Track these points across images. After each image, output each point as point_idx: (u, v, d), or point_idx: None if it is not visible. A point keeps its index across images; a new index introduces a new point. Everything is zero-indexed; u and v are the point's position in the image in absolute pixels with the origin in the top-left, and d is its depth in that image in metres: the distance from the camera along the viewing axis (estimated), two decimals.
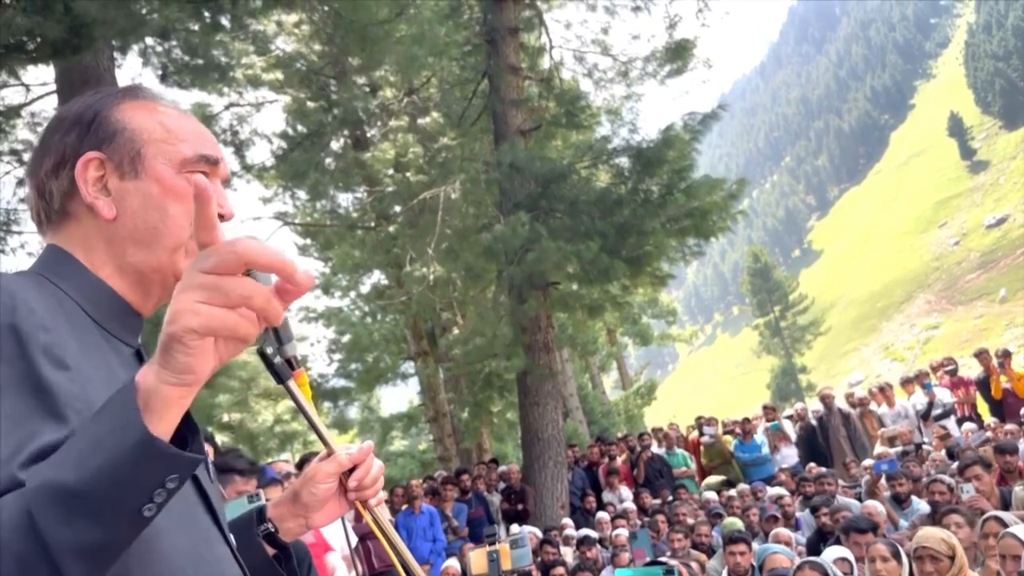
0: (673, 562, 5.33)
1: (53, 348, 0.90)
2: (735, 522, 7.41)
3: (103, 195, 1.07)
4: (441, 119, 14.49)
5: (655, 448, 11.24)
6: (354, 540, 4.79)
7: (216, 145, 1.15)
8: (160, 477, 0.78)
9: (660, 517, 8.38)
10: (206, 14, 9.31)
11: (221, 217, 1.11)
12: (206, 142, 1.13)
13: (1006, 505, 5.76)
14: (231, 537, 1.11)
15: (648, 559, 6.20)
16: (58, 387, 0.88)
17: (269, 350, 1.32)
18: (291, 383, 1.32)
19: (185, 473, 0.80)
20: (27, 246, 10.42)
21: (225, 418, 14.52)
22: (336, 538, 4.93)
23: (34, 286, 0.99)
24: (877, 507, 6.10)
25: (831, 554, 5.14)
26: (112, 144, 1.08)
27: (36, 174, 1.10)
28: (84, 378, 0.92)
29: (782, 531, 6.62)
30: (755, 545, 6.11)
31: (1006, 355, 10.37)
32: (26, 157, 10.80)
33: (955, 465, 7.03)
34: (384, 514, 1.25)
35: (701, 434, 11.53)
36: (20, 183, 10.67)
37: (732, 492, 9.30)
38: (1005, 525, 4.43)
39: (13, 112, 10.37)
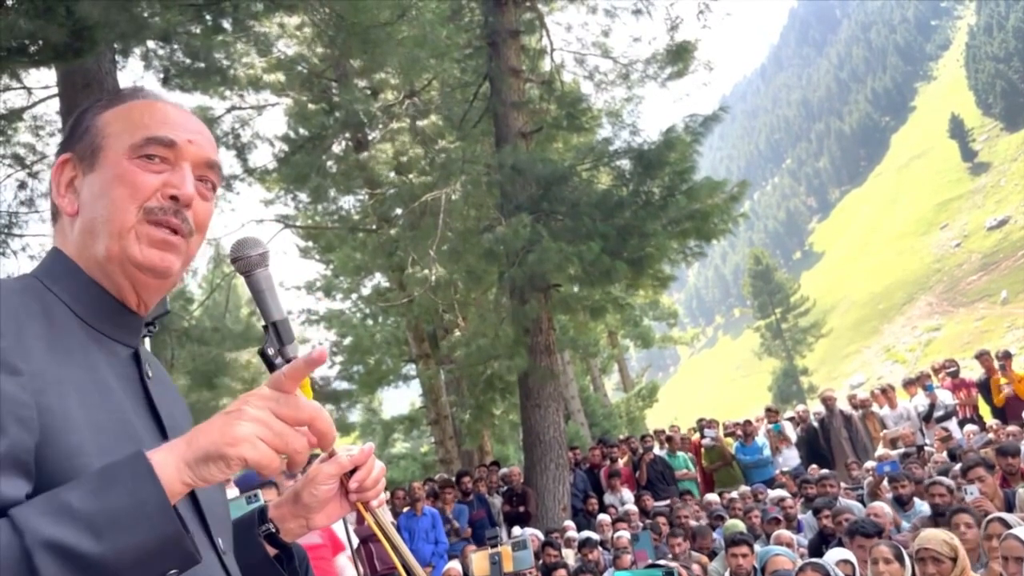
0: (673, 564, 5.33)
1: (3, 354, 0.90)
2: (737, 524, 7.40)
3: (71, 193, 1.09)
4: (442, 121, 14.50)
5: (658, 450, 11.24)
6: (355, 542, 4.79)
7: (184, 126, 1.12)
8: (169, 568, 0.84)
9: (661, 519, 8.38)
10: (208, 17, 9.33)
11: (175, 199, 1.08)
12: (166, 124, 1.10)
13: (1010, 507, 5.75)
14: (219, 541, 1.11)
15: (649, 561, 6.19)
16: (2, 394, 0.87)
17: (270, 351, 1.32)
18: None
19: (185, 568, 0.86)
20: (28, 248, 10.46)
21: None
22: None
23: (17, 290, 0.99)
24: (884, 508, 6.09)
25: (833, 556, 5.14)
26: (80, 143, 1.10)
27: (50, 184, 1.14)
28: (45, 382, 0.92)
29: (783, 533, 6.61)
30: (757, 547, 6.10)
31: (1006, 357, 10.36)
32: (28, 160, 10.82)
33: (957, 467, 7.02)
34: (386, 516, 1.25)
35: (702, 436, 11.52)
36: (22, 186, 10.68)
37: (734, 494, 9.30)
38: (1008, 527, 4.43)
39: (15, 115, 10.39)
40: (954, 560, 4.25)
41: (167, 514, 0.83)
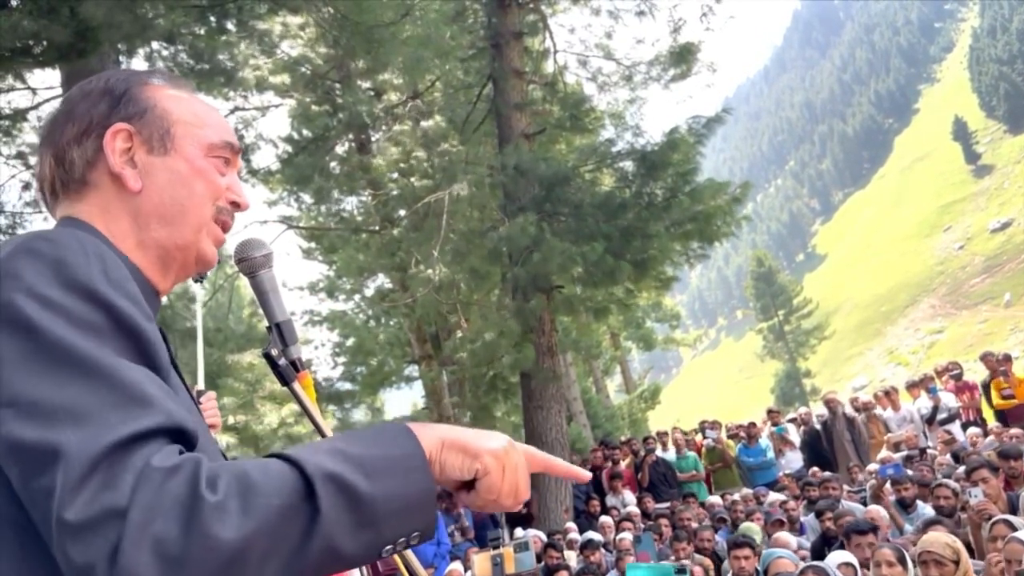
0: (686, 562, 5.33)
1: (140, 300, 0.92)
2: (751, 527, 7.36)
3: (130, 167, 1.06)
4: (445, 123, 14.51)
5: (660, 452, 11.23)
6: None
7: (235, 136, 1.18)
8: (414, 529, 0.87)
9: (663, 521, 8.37)
10: (212, 18, 9.34)
11: (237, 206, 1.14)
12: (230, 131, 1.16)
13: (1014, 510, 5.74)
14: None
15: (652, 563, 6.19)
16: (156, 340, 0.90)
17: (274, 352, 1.32)
18: (296, 385, 1.33)
19: (428, 536, 0.90)
20: None
21: (231, 420, 14.55)
22: None
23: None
24: (880, 512, 6.08)
25: (835, 559, 5.13)
26: (143, 119, 1.08)
27: (56, 142, 1.08)
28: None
29: (782, 535, 6.59)
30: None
31: (1007, 360, 10.34)
32: (32, 160, 10.84)
33: (961, 469, 7.00)
34: None
35: (704, 437, 11.52)
36: (26, 187, 10.70)
37: (736, 496, 9.28)
38: (1014, 529, 4.42)
39: (19, 115, 10.41)
40: (956, 563, 4.24)
41: (427, 472, 0.88)
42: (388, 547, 0.86)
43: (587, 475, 1.16)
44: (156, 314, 1.13)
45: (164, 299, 1.19)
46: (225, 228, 1.13)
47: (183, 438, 0.83)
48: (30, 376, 0.80)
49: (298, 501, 0.78)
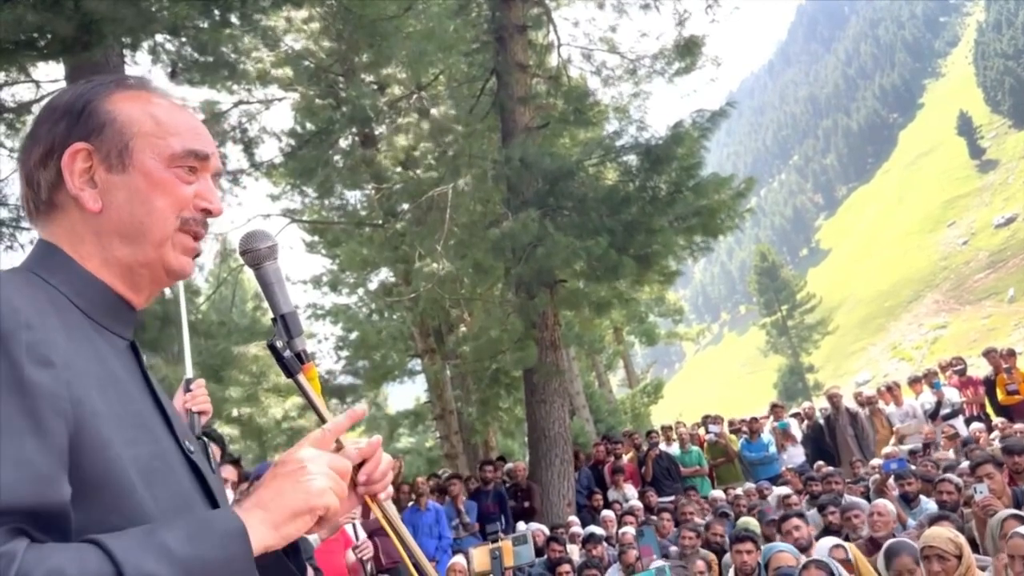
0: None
1: (37, 346, 0.89)
2: (750, 522, 7.38)
3: (89, 187, 1.06)
4: (449, 116, 14.48)
5: (664, 446, 11.23)
6: (362, 536, 4.80)
7: (208, 139, 1.14)
8: None
9: (665, 515, 8.38)
10: (215, 11, 9.33)
11: (209, 213, 1.12)
12: (197, 136, 1.12)
13: (1018, 505, 5.74)
14: None
15: (655, 557, 6.20)
16: (40, 388, 0.87)
17: (279, 343, 1.32)
18: (300, 376, 1.33)
19: None
20: (36, 242, 10.46)
21: (235, 412, 14.57)
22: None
23: (23, 283, 0.98)
24: (887, 506, 6.08)
25: (825, 544, 5.17)
26: (101, 135, 1.07)
27: (26, 163, 1.09)
28: (72, 374, 0.92)
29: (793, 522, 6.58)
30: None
31: (1011, 356, 10.32)
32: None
33: (965, 463, 7.00)
34: (392, 509, 1.25)
35: (707, 432, 11.53)
36: None
37: (738, 491, 9.29)
38: None
39: (24, 109, 10.41)
40: (959, 558, 4.24)
41: (252, 573, 0.90)
42: None
43: (363, 410, 1.20)
44: (130, 327, 1.13)
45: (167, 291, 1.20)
46: (197, 237, 1.12)
47: (30, 517, 0.82)
48: None
49: None
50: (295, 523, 0.96)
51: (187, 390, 2.41)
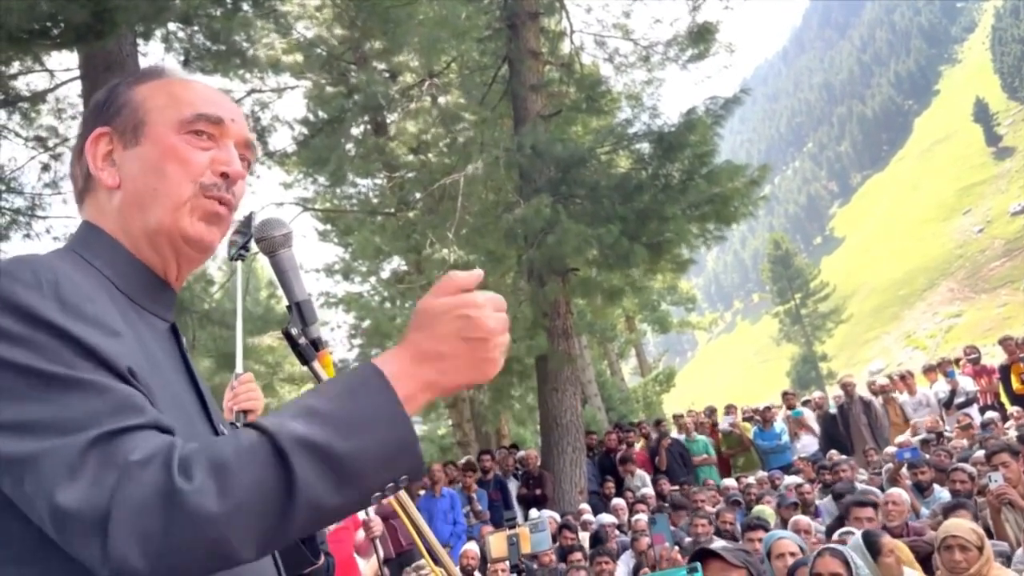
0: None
1: (101, 317, 0.92)
2: (764, 510, 7.37)
3: (110, 167, 1.09)
4: (461, 103, 14.45)
5: (675, 434, 11.22)
6: (372, 513, 4.84)
7: (224, 106, 1.14)
8: (400, 475, 0.89)
9: (679, 504, 8.38)
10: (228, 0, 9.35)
11: (226, 176, 1.11)
12: (209, 102, 1.12)
13: None
14: None
15: (666, 544, 6.20)
16: (115, 353, 0.90)
17: (294, 331, 1.33)
18: (316, 364, 1.33)
19: (417, 477, 0.92)
20: (52, 230, 10.53)
21: None
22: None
23: (71, 262, 1.01)
24: (902, 495, 6.06)
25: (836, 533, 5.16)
26: (119, 117, 1.10)
27: (71, 162, 1.15)
28: (130, 348, 0.94)
29: (801, 519, 6.59)
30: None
31: None
32: (51, 143, 10.91)
33: (980, 452, 6.97)
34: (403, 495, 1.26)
35: (710, 419, 11.54)
36: (45, 168, 10.77)
37: (751, 479, 9.28)
38: None
39: (38, 98, 10.47)
40: (980, 549, 4.23)
41: (404, 421, 0.88)
42: (376, 494, 0.88)
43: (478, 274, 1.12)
44: (171, 309, 1.15)
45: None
46: (222, 202, 1.10)
47: (156, 431, 0.86)
48: None
49: (273, 472, 0.81)
50: (440, 391, 0.95)
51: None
